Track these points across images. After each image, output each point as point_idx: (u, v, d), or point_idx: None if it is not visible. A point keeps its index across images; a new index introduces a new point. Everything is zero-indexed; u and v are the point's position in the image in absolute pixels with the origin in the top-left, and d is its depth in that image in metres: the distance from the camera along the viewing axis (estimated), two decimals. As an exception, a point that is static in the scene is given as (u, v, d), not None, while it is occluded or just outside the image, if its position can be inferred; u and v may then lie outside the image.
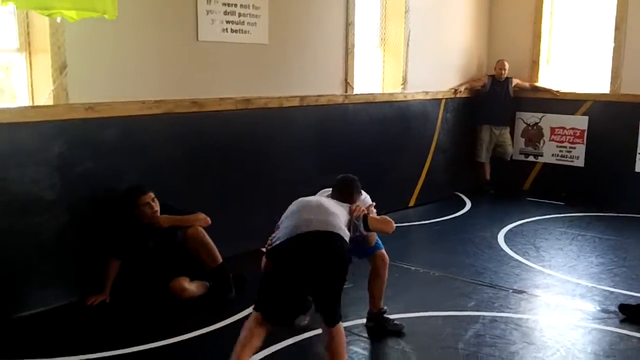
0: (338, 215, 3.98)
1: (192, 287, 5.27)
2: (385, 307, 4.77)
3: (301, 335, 4.61)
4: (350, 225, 4.10)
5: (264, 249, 4.00)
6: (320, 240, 3.77)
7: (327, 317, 3.83)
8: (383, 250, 4.74)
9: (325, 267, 3.77)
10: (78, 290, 5.25)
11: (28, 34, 5.10)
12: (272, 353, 4.36)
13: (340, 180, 4.49)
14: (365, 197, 4.60)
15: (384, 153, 8.24)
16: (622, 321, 5.05)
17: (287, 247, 3.77)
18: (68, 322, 4.95)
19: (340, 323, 3.86)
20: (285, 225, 3.88)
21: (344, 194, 4.37)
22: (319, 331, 4.62)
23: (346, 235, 3.90)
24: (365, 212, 4.26)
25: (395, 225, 4.37)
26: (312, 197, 4.34)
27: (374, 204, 4.57)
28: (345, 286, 5.36)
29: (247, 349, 3.75)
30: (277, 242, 3.83)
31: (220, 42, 6.18)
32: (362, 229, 4.19)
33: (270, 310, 3.78)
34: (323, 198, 4.31)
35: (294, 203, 4.09)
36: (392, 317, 4.85)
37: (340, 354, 3.84)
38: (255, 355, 4.04)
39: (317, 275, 3.75)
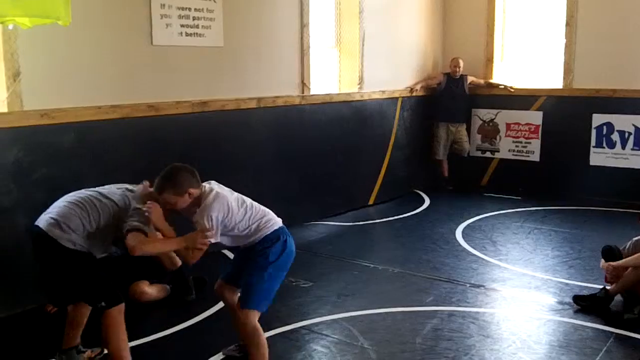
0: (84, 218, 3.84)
1: (151, 290, 5.27)
2: None
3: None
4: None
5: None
6: (35, 238, 3.88)
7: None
8: (247, 311, 3.85)
9: (40, 262, 3.98)
10: (37, 297, 5.19)
11: (-20, 42, 5.06)
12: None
13: (164, 170, 3.90)
14: (205, 208, 3.77)
15: (342, 152, 8.32)
16: (576, 312, 5.17)
17: None
18: (27, 329, 4.93)
19: (112, 309, 3.87)
20: None
21: (156, 186, 3.89)
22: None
23: (74, 238, 3.79)
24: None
25: (147, 247, 3.81)
26: (89, 192, 4.01)
27: (209, 228, 3.73)
28: (303, 285, 5.51)
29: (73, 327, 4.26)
30: None
31: (175, 46, 6.19)
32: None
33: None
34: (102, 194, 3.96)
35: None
36: (353, 313, 4.96)
37: (108, 338, 3.93)
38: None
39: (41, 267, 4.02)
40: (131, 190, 4.01)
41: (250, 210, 3.93)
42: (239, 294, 4.03)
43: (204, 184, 3.91)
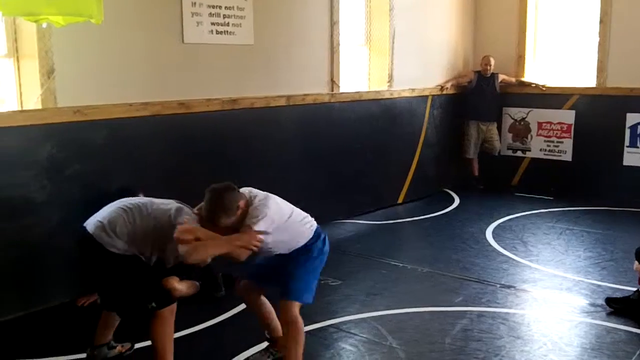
0: (148, 226, 3.83)
1: (181, 286, 5.25)
2: None
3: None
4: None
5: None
6: (82, 241, 3.90)
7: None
8: (290, 302, 3.88)
9: (87, 266, 4.11)
10: (69, 291, 5.29)
11: (16, 39, 5.15)
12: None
13: (207, 198, 3.82)
14: (257, 217, 3.74)
15: (371, 151, 8.29)
16: (608, 314, 5.10)
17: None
18: (60, 323, 5.00)
19: (164, 310, 3.92)
20: None
21: (207, 218, 3.81)
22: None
23: (121, 244, 3.80)
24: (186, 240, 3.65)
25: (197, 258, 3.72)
26: (142, 200, 4.04)
27: (262, 232, 3.70)
28: (332, 283, 5.51)
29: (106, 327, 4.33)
30: None
31: (206, 44, 6.22)
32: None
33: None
34: (154, 205, 3.92)
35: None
36: (381, 313, 4.95)
37: (156, 337, 3.97)
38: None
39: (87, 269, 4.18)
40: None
41: (296, 211, 4.04)
42: (263, 295, 4.21)
43: (241, 190, 3.90)
